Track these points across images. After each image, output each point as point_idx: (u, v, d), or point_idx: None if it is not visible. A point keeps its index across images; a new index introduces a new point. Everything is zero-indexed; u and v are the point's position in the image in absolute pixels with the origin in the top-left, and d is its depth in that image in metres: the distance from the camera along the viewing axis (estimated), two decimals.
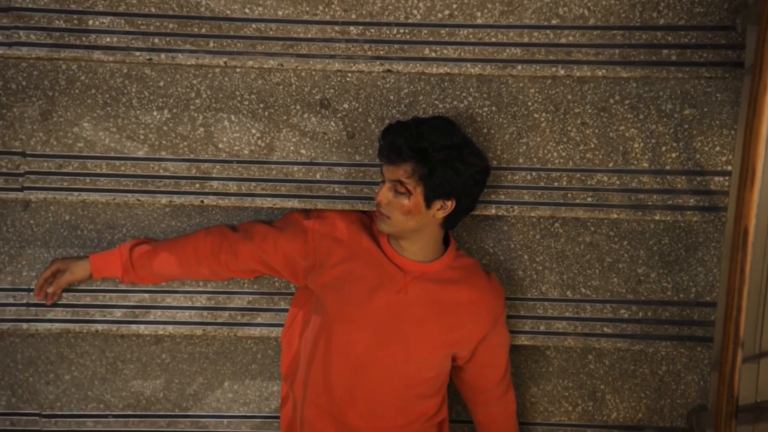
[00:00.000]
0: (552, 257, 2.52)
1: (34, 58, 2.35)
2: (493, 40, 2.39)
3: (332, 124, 2.43)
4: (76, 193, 2.42)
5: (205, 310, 2.52)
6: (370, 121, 2.43)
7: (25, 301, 2.49)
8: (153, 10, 2.37)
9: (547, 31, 2.38)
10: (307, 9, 2.37)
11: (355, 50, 2.38)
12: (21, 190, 2.41)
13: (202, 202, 2.43)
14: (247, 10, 2.37)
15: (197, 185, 2.43)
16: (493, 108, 2.43)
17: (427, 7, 2.38)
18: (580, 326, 2.52)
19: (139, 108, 2.40)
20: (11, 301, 2.49)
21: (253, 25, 2.38)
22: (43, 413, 2.57)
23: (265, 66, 2.39)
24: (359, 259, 2.30)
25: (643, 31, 2.38)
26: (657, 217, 2.46)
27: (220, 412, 2.60)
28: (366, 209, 2.42)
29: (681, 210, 2.45)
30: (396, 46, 2.38)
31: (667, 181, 2.44)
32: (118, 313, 2.50)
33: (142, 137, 2.41)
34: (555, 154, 2.44)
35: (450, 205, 2.22)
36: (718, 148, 2.43)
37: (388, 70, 2.39)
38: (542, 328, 2.52)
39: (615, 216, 2.46)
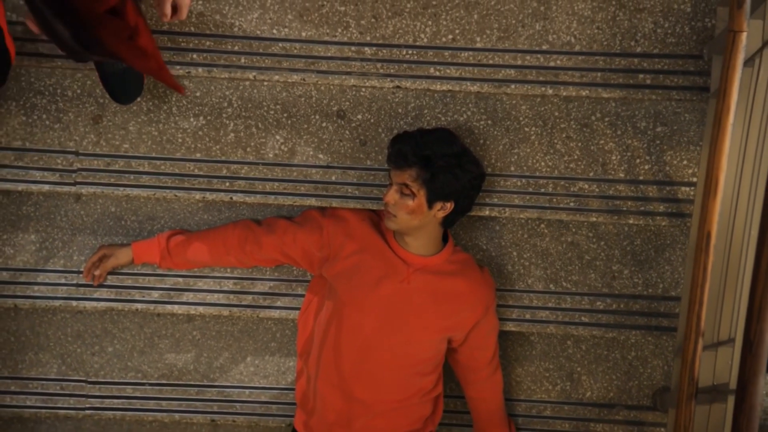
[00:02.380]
0: (537, 254, 2.52)
1: (89, 69, 2.35)
2: (491, 62, 2.38)
3: (347, 132, 2.44)
4: (121, 189, 2.43)
5: (231, 293, 2.52)
6: (380, 130, 2.44)
7: (75, 282, 2.50)
8: (192, 29, 2.36)
9: (538, 56, 2.38)
10: (328, 31, 2.37)
11: (369, 68, 2.38)
12: (74, 184, 2.42)
13: (231, 198, 2.44)
14: (274, 31, 2.37)
15: (227, 184, 2.44)
16: (489, 122, 2.44)
17: (433, 32, 2.38)
18: (560, 315, 2.52)
19: (178, 115, 2.41)
20: (63, 281, 2.49)
21: (280, 44, 2.38)
22: (89, 380, 2.58)
23: (290, 80, 2.38)
24: (368, 252, 2.31)
25: (622, 58, 2.38)
26: (630, 221, 2.46)
27: (242, 384, 2.60)
28: (375, 208, 2.42)
29: (652, 215, 2.45)
30: (405, 65, 2.38)
31: (640, 189, 2.44)
32: (155, 294, 2.51)
33: (180, 140, 2.42)
34: (542, 163, 2.45)
35: (449, 206, 2.22)
36: (685, 162, 2.43)
37: (398, 87, 2.40)
38: (527, 317, 2.53)
39: (594, 219, 2.46)
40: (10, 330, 2.55)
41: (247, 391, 2.60)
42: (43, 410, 2.57)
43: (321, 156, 2.44)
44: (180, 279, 2.51)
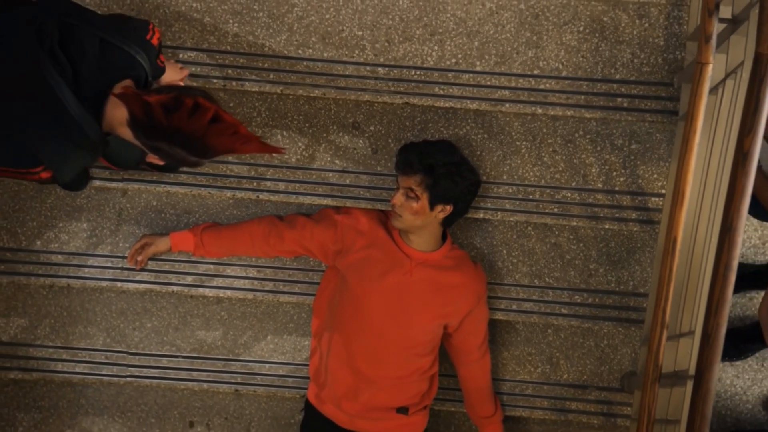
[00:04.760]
0: (524, 253, 2.52)
1: None
2: (488, 83, 2.38)
3: (361, 141, 2.44)
4: (162, 185, 2.43)
5: (255, 280, 2.51)
6: (390, 141, 2.44)
7: (120, 266, 2.51)
8: (228, 48, 2.37)
9: (530, 79, 2.39)
10: (346, 52, 2.38)
11: (381, 86, 2.38)
12: (121, 181, 2.43)
13: (257, 197, 2.44)
14: (300, 51, 2.38)
15: (255, 183, 2.44)
16: (485, 135, 2.44)
17: (438, 56, 2.39)
18: (543, 307, 2.52)
19: None
20: (110, 265, 2.50)
21: (304, 63, 2.38)
22: (130, 351, 2.58)
23: (312, 95, 2.38)
24: (376, 247, 2.32)
25: (603, 83, 2.38)
26: (606, 226, 2.46)
27: (263, 359, 2.60)
28: (383, 209, 2.42)
29: (625, 221, 2.45)
30: (413, 84, 2.38)
31: (615, 198, 2.44)
32: (189, 279, 2.51)
33: None
34: (531, 173, 2.45)
35: (449, 208, 2.23)
36: (655, 176, 2.44)
37: (406, 103, 2.40)
38: (514, 307, 2.52)
39: (574, 223, 2.46)
40: (63, 306, 2.56)
41: (267, 365, 2.60)
42: (90, 376, 2.57)
43: (337, 161, 2.45)
44: (211, 266, 2.51)
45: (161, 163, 1.76)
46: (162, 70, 1.95)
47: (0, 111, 1.70)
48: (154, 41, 1.87)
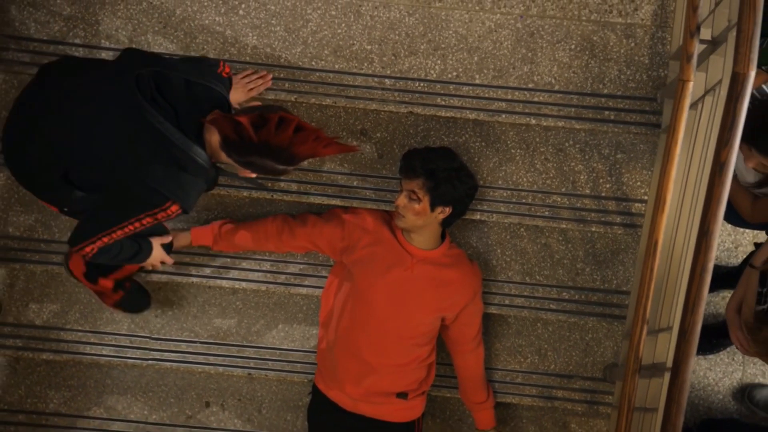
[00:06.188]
0: (517, 252, 2.52)
1: None
2: (486, 95, 2.39)
3: (368, 147, 2.44)
4: None
5: (268, 273, 2.51)
6: (395, 146, 2.44)
7: None
8: (247, 58, 2.37)
9: (525, 92, 2.39)
10: (356, 65, 2.38)
11: (388, 96, 2.39)
12: None
13: (272, 196, 2.44)
14: (313, 63, 2.38)
15: (269, 184, 2.42)
16: (483, 143, 2.45)
17: (441, 69, 2.39)
18: (533, 302, 2.52)
19: None
20: None
21: (317, 74, 2.38)
22: (152, 336, 2.58)
23: (323, 103, 2.39)
24: (380, 245, 2.32)
25: (592, 97, 2.39)
26: (593, 229, 2.47)
27: (274, 345, 2.59)
28: (388, 209, 2.42)
29: (610, 225, 2.45)
30: (417, 95, 2.39)
31: (602, 203, 2.45)
32: (207, 271, 2.51)
33: None
34: (524, 179, 2.46)
35: (448, 210, 2.24)
36: (639, 183, 2.44)
37: (411, 112, 2.40)
38: (506, 302, 2.52)
39: (564, 226, 2.47)
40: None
41: (277, 351, 2.60)
42: (115, 359, 2.58)
43: (346, 165, 2.45)
44: (228, 259, 2.51)
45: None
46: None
47: (124, 162, 1.79)
48: (224, 74, 1.96)
